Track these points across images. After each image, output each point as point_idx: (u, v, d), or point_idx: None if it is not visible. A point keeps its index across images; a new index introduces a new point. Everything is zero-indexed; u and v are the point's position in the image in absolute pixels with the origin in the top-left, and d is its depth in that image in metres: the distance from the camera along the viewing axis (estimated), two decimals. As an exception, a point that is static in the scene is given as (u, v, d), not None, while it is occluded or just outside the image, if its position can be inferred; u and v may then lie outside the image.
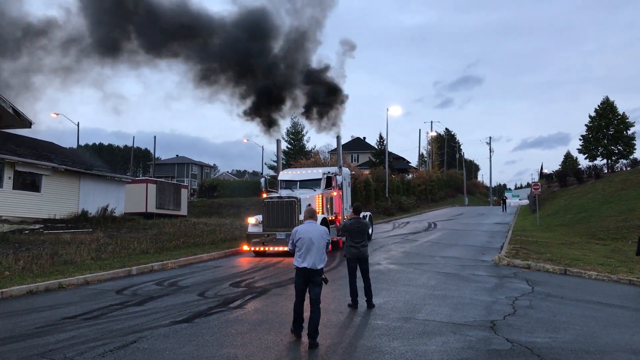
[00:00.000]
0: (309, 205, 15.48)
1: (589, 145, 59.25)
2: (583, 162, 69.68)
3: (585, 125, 59.98)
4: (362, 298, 9.95)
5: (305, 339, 7.61)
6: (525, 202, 62.53)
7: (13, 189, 23.89)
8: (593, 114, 59.67)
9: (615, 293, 12.71)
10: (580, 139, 60.43)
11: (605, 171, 54.30)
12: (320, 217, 17.71)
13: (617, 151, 58.07)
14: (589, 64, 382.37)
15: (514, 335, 8.01)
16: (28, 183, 24.99)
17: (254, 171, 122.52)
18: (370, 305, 9.85)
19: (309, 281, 7.79)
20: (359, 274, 10.08)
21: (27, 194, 24.72)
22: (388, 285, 12.31)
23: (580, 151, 61.17)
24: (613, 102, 59.11)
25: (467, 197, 78.44)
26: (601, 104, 59.53)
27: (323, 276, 7.86)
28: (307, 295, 7.85)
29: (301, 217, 13.99)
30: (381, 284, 12.22)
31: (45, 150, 28.09)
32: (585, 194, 41.22)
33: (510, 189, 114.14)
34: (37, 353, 7.03)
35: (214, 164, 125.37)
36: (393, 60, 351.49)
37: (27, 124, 18.28)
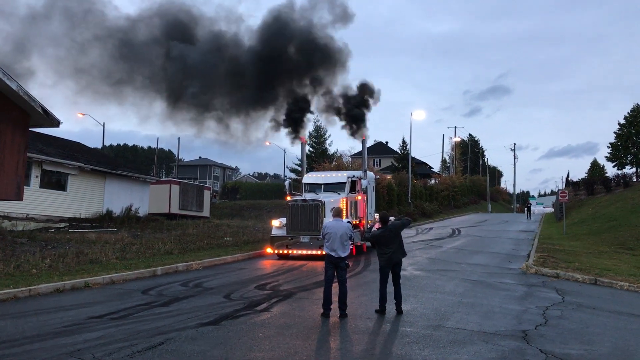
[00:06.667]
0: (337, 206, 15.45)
1: (618, 153, 57.92)
2: (611, 170, 68.12)
3: (614, 132, 58.66)
4: (389, 303, 9.79)
5: (334, 343, 7.76)
6: (550, 209, 61.45)
7: (40, 187, 24.23)
8: (622, 122, 58.38)
9: (649, 305, 12.34)
10: (608, 147, 59.12)
11: (635, 180, 53.00)
12: (344, 220, 17.64)
13: (647, 160, 56.72)
14: (618, 73, 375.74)
15: (547, 346, 7.77)
16: (54, 182, 25.34)
17: (275, 174, 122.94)
18: (399, 310, 9.68)
19: (336, 266, 9.56)
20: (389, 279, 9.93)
21: (54, 193, 25.06)
22: (415, 292, 12.12)
23: (608, 159, 59.77)
24: (644, 109, 57.70)
25: (490, 203, 77.43)
26: (631, 111, 58.08)
27: (346, 261, 9.67)
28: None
29: (329, 215, 15.64)
30: (408, 290, 12.01)
31: (72, 150, 28.49)
32: (613, 202, 40.27)
33: (533, 196, 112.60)
34: (66, 352, 7.02)
35: (236, 166, 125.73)
36: (420, 68, 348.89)
37: (56, 123, 18.40)
